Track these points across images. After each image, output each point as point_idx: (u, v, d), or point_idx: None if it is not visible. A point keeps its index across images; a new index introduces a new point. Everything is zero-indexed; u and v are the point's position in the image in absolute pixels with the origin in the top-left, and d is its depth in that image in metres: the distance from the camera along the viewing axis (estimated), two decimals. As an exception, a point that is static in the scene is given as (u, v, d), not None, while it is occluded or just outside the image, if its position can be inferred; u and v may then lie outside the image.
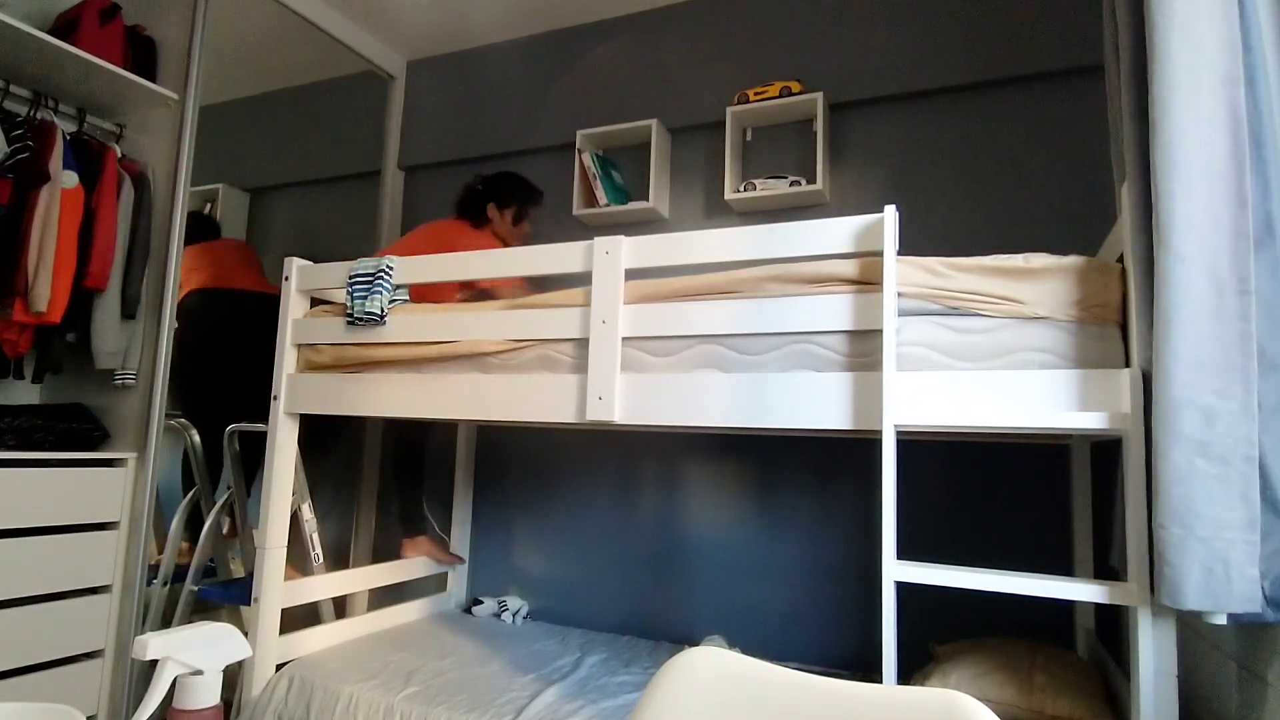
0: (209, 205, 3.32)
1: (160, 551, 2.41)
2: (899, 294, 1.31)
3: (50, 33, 1.92)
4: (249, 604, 1.88)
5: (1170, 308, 1.01)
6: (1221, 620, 1.00)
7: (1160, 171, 1.03)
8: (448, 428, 2.74)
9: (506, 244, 2.51)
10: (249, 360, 2.37)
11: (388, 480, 2.78)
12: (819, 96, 2.26)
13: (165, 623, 2.30)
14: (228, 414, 2.44)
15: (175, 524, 2.42)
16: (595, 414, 1.53)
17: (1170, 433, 1.01)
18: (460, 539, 2.64)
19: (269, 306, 2.16)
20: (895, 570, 1.23)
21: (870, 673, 1.92)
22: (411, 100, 3.10)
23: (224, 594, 2.30)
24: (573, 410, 1.57)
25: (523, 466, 2.65)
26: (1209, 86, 1.01)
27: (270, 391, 1.94)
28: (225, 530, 2.50)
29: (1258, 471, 0.97)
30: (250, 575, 2.02)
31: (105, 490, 1.99)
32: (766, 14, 2.48)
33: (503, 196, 2.53)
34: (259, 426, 2.17)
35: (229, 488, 2.39)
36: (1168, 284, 1.02)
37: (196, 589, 2.28)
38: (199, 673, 0.67)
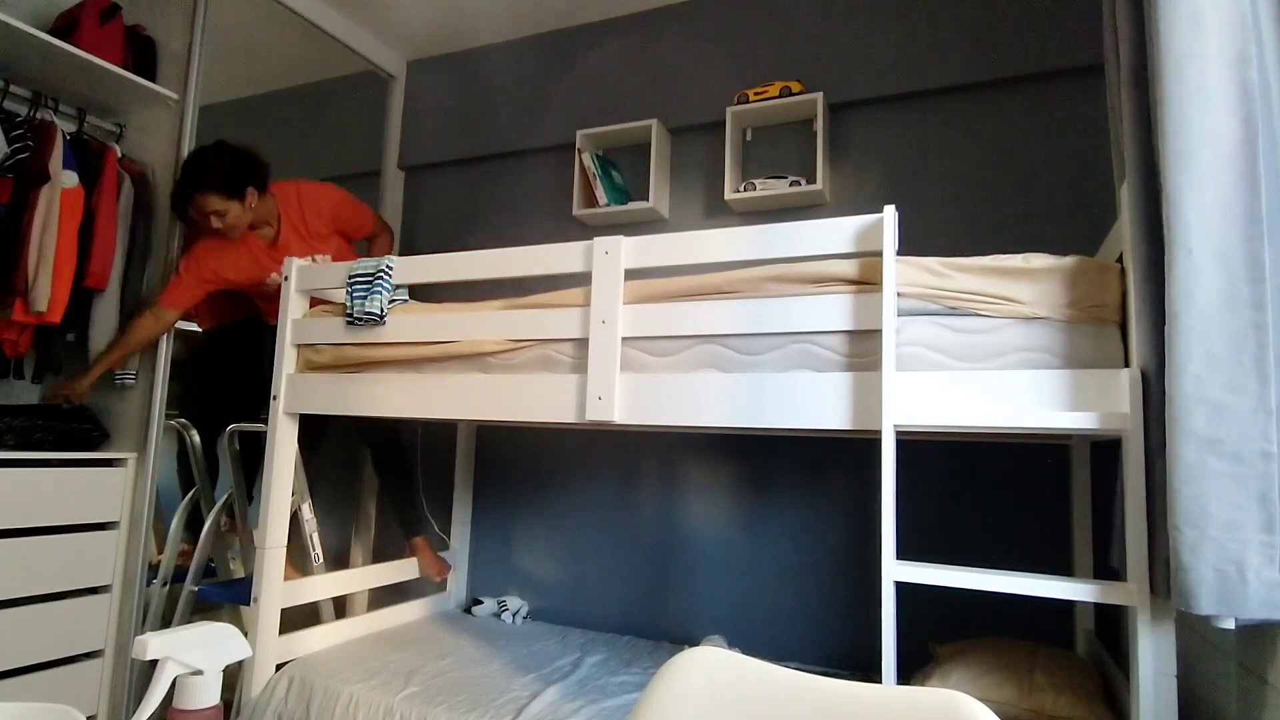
0: None
1: (160, 551, 2.41)
2: (898, 294, 1.31)
3: (50, 33, 1.92)
4: (249, 604, 1.88)
5: (1179, 300, 0.97)
6: (1230, 625, 0.97)
7: (1167, 161, 0.99)
8: (444, 427, 2.74)
9: (256, 226, 2.25)
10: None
11: (383, 481, 2.75)
12: (819, 96, 2.26)
13: (165, 623, 2.30)
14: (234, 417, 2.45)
15: (175, 524, 2.42)
16: (595, 414, 1.53)
17: (1180, 430, 0.97)
18: (460, 539, 2.64)
19: None
20: (895, 570, 1.23)
21: (870, 673, 1.92)
22: (411, 100, 3.10)
23: (224, 594, 2.30)
24: (573, 410, 1.57)
25: (523, 466, 2.65)
26: (1216, 67, 0.97)
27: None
28: (224, 529, 2.50)
29: (1275, 469, 0.93)
30: (250, 575, 2.02)
31: (105, 490, 1.99)
32: (766, 14, 2.48)
33: (261, 179, 2.16)
34: (259, 427, 2.17)
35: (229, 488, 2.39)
36: (1175, 276, 0.98)
37: (196, 589, 2.28)
38: (199, 673, 0.67)
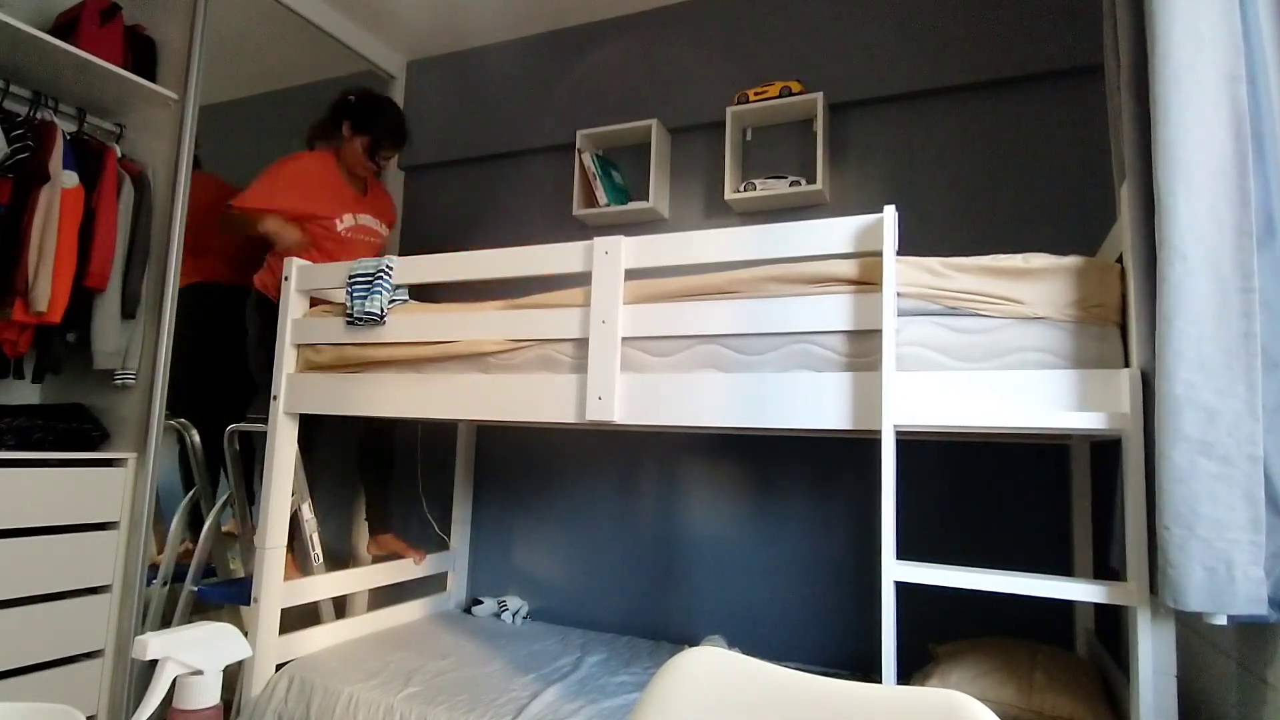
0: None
1: (160, 551, 2.41)
2: (898, 294, 1.31)
3: (50, 33, 1.92)
4: (249, 604, 1.88)
5: (1172, 306, 1.01)
6: (1222, 621, 1.00)
7: (1162, 170, 1.03)
8: (444, 428, 2.73)
9: (352, 170, 2.47)
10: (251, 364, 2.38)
11: (362, 476, 2.74)
12: (819, 96, 2.26)
13: (165, 623, 2.30)
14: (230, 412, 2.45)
15: (175, 524, 2.42)
16: (595, 414, 1.53)
17: (1172, 432, 1.00)
18: (460, 539, 2.64)
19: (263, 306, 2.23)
20: (895, 570, 1.23)
21: (870, 673, 1.92)
22: (411, 100, 3.10)
23: (224, 594, 2.29)
24: (572, 410, 1.57)
25: (523, 466, 2.65)
26: (1211, 84, 1.01)
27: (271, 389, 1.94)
28: (224, 529, 2.50)
29: (1261, 471, 0.97)
30: (250, 575, 2.02)
31: (105, 490, 1.99)
32: (766, 14, 2.48)
33: (361, 121, 2.41)
34: (259, 427, 2.17)
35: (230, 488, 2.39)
36: (1169, 282, 1.01)
37: (196, 589, 2.28)
38: (199, 673, 0.67)
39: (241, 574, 2.48)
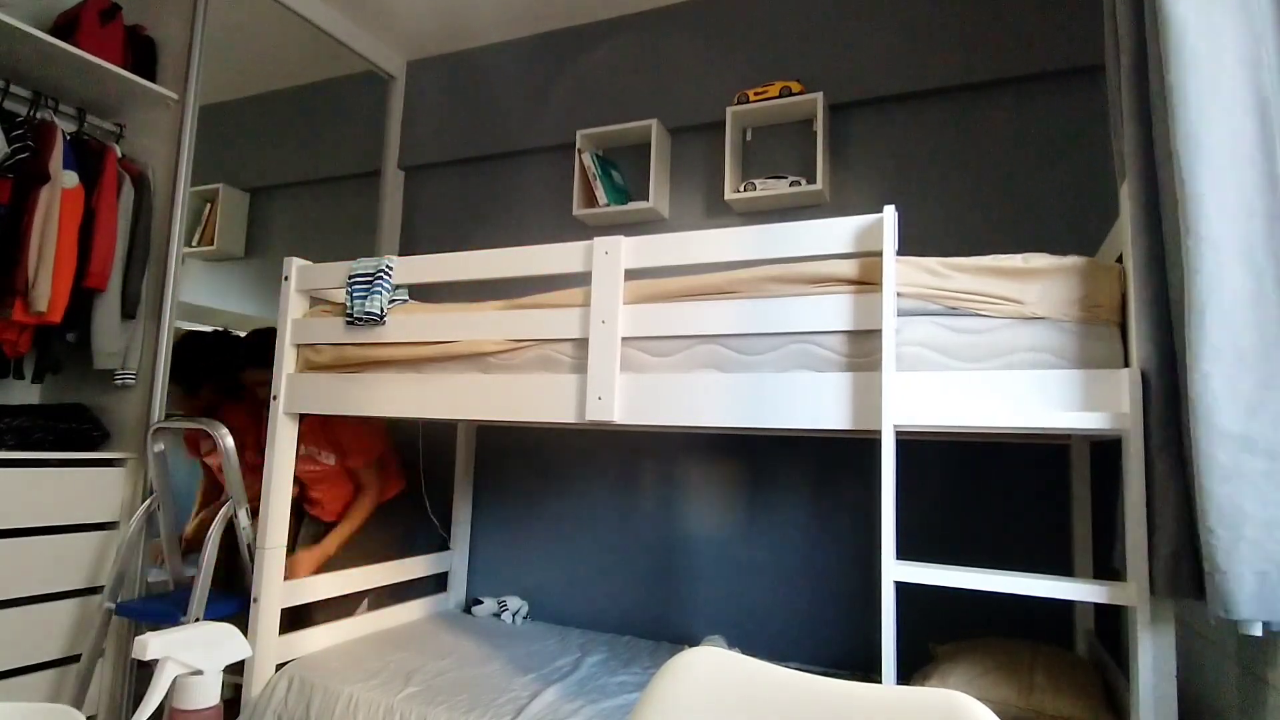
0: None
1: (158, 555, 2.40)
2: (898, 294, 1.31)
3: (50, 33, 1.92)
4: (177, 622, 1.72)
5: (1203, 297, 0.96)
6: (1258, 631, 0.94)
7: (1184, 159, 0.99)
8: (444, 427, 2.73)
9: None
10: None
11: None
12: (819, 96, 2.26)
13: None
14: None
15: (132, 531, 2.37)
16: (595, 414, 1.53)
17: (1210, 429, 0.94)
18: (460, 539, 2.64)
19: None
20: (895, 570, 1.23)
21: (870, 673, 1.92)
22: (411, 100, 3.10)
23: (148, 611, 1.94)
24: (572, 410, 1.57)
25: (523, 466, 2.65)
26: (1230, 70, 0.98)
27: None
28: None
29: None
30: (178, 589, 1.97)
31: (105, 490, 1.99)
32: (766, 14, 2.48)
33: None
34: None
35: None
36: (1200, 272, 0.96)
37: (114, 606, 1.96)
38: (199, 673, 0.67)
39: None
